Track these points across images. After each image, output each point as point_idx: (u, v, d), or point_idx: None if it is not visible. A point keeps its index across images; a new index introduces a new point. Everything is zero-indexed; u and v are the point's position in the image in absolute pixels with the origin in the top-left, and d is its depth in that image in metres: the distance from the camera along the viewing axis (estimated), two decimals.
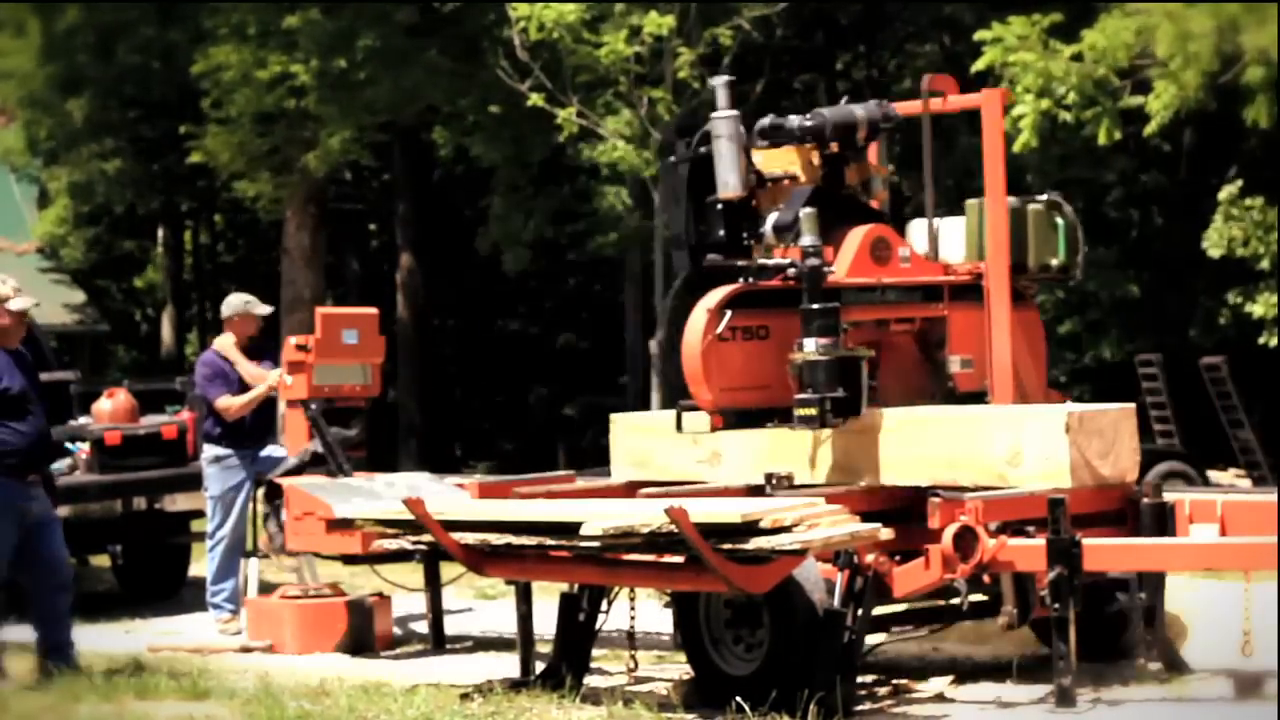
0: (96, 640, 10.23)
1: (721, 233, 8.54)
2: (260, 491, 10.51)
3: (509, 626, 9.14)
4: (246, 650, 10.03)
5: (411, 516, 7.95)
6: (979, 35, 15.85)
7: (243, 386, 10.75)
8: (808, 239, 8.18)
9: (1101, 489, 7.87)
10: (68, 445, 12.06)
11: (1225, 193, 16.48)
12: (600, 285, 26.57)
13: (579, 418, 25.39)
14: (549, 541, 7.70)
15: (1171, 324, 21.65)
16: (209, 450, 10.86)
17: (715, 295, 8.30)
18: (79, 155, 24.81)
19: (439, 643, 10.16)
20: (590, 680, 8.32)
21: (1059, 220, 8.93)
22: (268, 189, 21.40)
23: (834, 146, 8.73)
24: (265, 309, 11.02)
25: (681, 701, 7.99)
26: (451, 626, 10.46)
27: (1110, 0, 15.51)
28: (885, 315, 8.69)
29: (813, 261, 8.13)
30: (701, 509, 7.06)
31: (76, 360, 22.37)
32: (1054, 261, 8.91)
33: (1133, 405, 8.07)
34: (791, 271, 8.22)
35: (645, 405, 17.74)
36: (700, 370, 8.20)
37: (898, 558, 7.69)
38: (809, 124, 8.68)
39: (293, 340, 10.65)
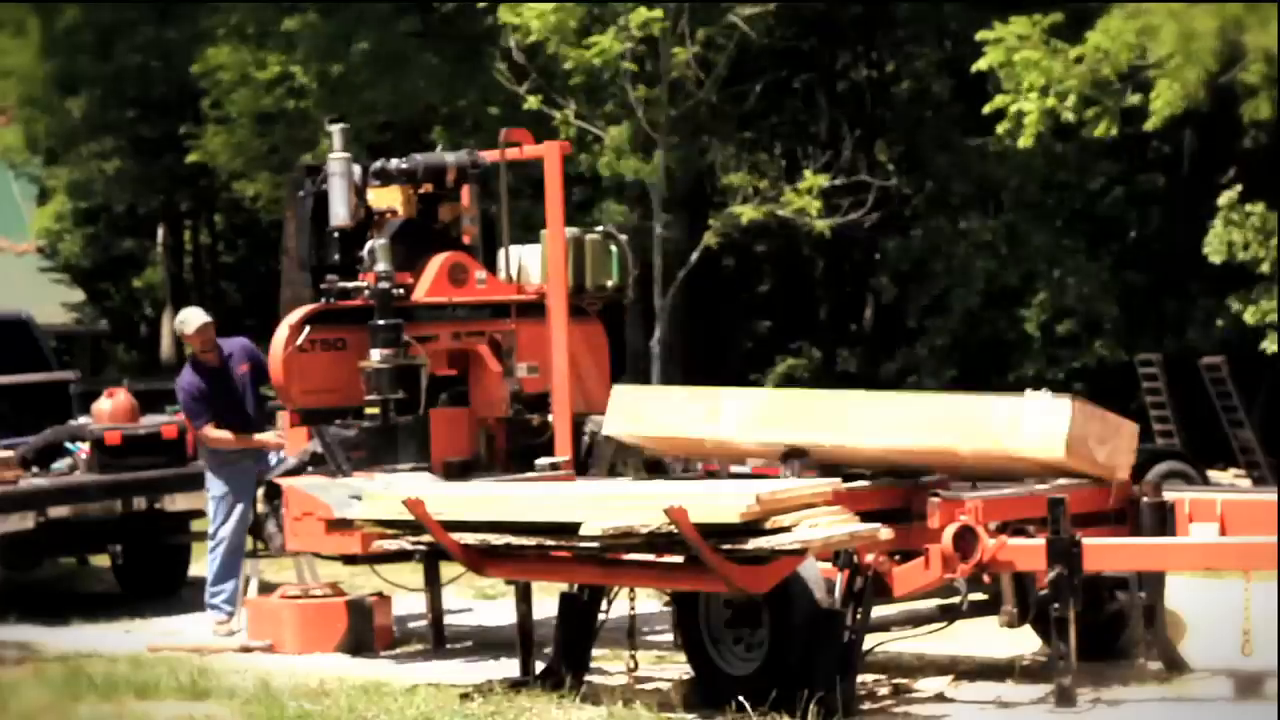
0: (96, 640, 10.25)
1: (336, 257, 10.22)
2: (260, 491, 10.49)
3: (509, 626, 9.13)
4: (246, 650, 10.02)
5: (411, 517, 7.95)
6: (981, 35, 15.86)
7: (228, 397, 10.66)
8: (380, 265, 9.95)
9: (1101, 488, 7.87)
10: (67, 445, 12.06)
11: (1225, 198, 16.48)
12: None
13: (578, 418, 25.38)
14: (549, 541, 7.70)
15: (1171, 324, 21.64)
16: (209, 451, 10.84)
17: (297, 313, 10.12)
18: (78, 154, 24.81)
19: (439, 642, 10.16)
20: (590, 680, 8.32)
21: (613, 248, 10.68)
22: (267, 189, 21.39)
23: (427, 187, 10.45)
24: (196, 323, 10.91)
25: (681, 701, 7.99)
26: (451, 626, 10.47)
27: (1104, 1, 15.52)
28: (460, 329, 10.35)
29: (383, 285, 9.90)
30: (701, 509, 7.05)
31: (76, 360, 22.36)
32: (609, 283, 10.67)
33: (1135, 427, 8.06)
34: (367, 293, 9.95)
35: None
36: (282, 376, 9.99)
37: (897, 557, 7.69)
38: (404, 167, 10.41)
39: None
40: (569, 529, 7.37)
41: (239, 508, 10.73)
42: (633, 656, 8.52)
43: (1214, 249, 16.44)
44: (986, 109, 16.15)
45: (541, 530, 7.64)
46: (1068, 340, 21.97)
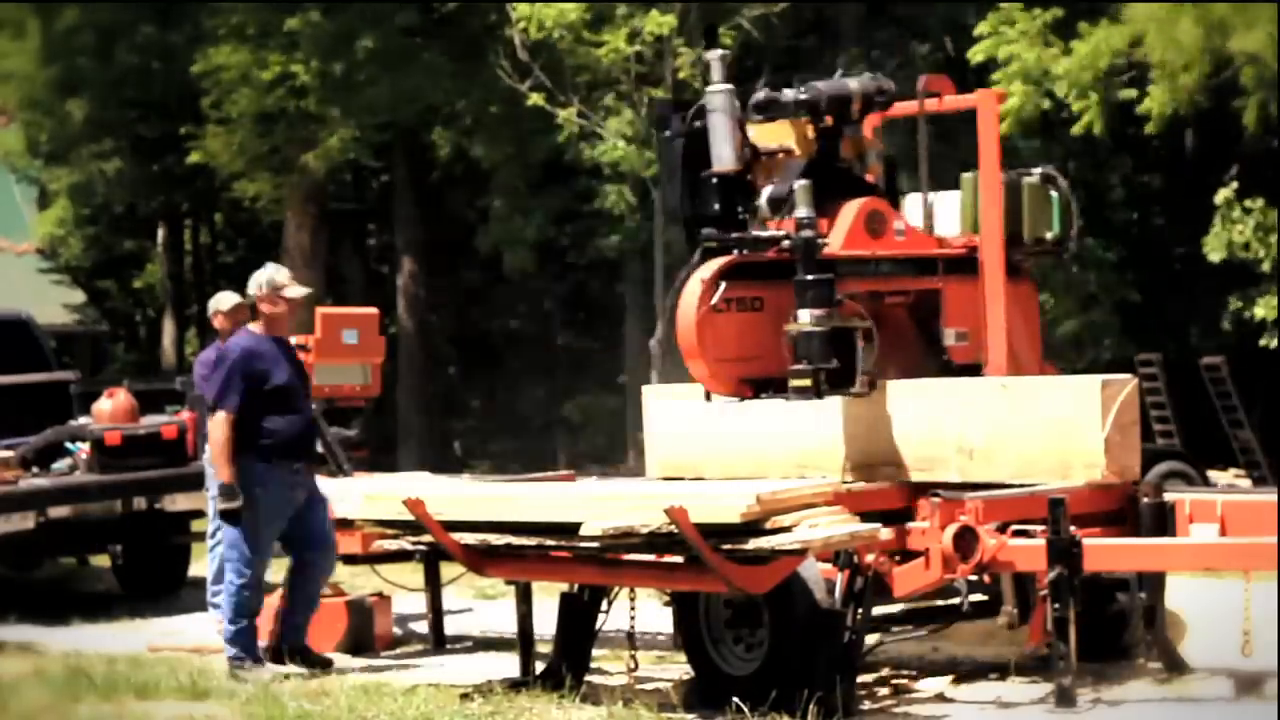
0: (97, 640, 10.25)
1: (717, 207, 8.51)
2: None
3: (509, 626, 9.14)
4: None
5: (411, 517, 7.95)
6: (978, 29, 15.87)
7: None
8: (802, 211, 8.18)
9: (1101, 488, 7.87)
10: (68, 445, 12.07)
11: (1221, 196, 16.48)
12: (600, 285, 26.57)
13: (578, 418, 25.39)
14: (549, 542, 7.70)
15: (1171, 324, 21.65)
16: (210, 450, 10.83)
17: (710, 267, 8.30)
18: (79, 156, 24.81)
19: (439, 643, 10.16)
20: (590, 680, 8.32)
21: (1053, 194, 9.03)
22: (267, 189, 21.40)
23: (828, 120, 8.73)
24: (230, 303, 10.90)
25: (681, 701, 8.00)
26: (451, 626, 10.46)
27: (1104, 0, 15.54)
28: (880, 288, 8.68)
29: (807, 233, 8.14)
30: (701, 509, 7.05)
31: (76, 360, 22.36)
32: (1049, 234, 9.00)
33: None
34: (786, 244, 8.23)
35: None
36: (695, 342, 8.23)
37: (898, 557, 7.69)
38: (804, 97, 8.69)
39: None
40: (569, 529, 7.37)
41: None
42: (633, 657, 8.51)
43: (1213, 247, 16.45)
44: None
45: (542, 530, 7.65)
46: (1068, 341, 21.97)
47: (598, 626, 8.39)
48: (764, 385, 8.32)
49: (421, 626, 10.54)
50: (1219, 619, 7.99)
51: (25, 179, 29.60)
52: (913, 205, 9.01)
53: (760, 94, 8.85)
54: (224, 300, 11.06)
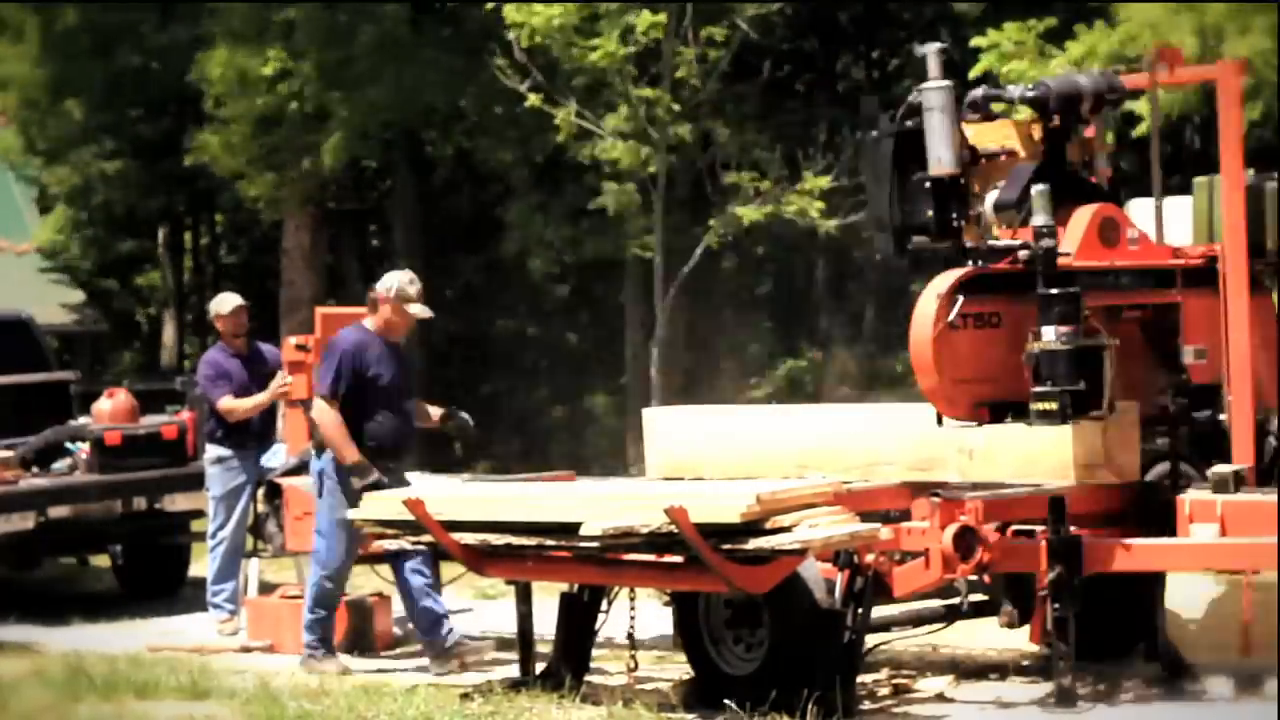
0: (97, 640, 10.26)
1: (929, 213, 7.93)
2: (261, 491, 10.51)
3: (509, 626, 9.14)
4: (246, 650, 10.04)
5: (411, 517, 7.96)
6: (975, 42, 15.88)
7: (246, 387, 10.75)
8: (1040, 218, 7.60)
9: (1099, 489, 7.88)
10: (68, 445, 12.07)
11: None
12: (600, 285, 26.57)
13: (579, 418, 25.39)
14: (549, 542, 7.71)
15: None
16: (211, 451, 10.87)
17: (945, 279, 7.73)
18: (79, 156, 24.81)
19: None
20: (590, 680, 8.33)
21: None
22: (267, 190, 21.40)
23: (1056, 120, 8.14)
24: (230, 305, 10.97)
25: (681, 701, 8.00)
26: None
27: (1104, 1, 15.53)
28: (1117, 301, 8.07)
29: (1047, 243, 7.57)
30: (701, 509, 7.06)
31: (76, 360, 22.39)
32: None
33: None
34: (1023, 254, 7.65)
35: (646, 405, 17.73)
36: (930, 360, 7.69)
37: (898, 557, 7.69)
38: (1031, 94, 8.14)
39: (293, 340, 10.66)
40: (569, 529, 7.38)
41: (239, 507, 10.74)
42: (633, 657, 8.52)
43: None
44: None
45: (542, 530, 7.66)
46: None
47: (598, 626, 8.40)
48: (1002, 408, 7.79)
49: None
50: (1219, 618, 8.00)
51: (24, 179, 29.59)
52: (1139, 211, 8.35)
53: (979, 91, 8.35)
54: (224, 302, 11.09)
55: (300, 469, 10.25)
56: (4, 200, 31.10)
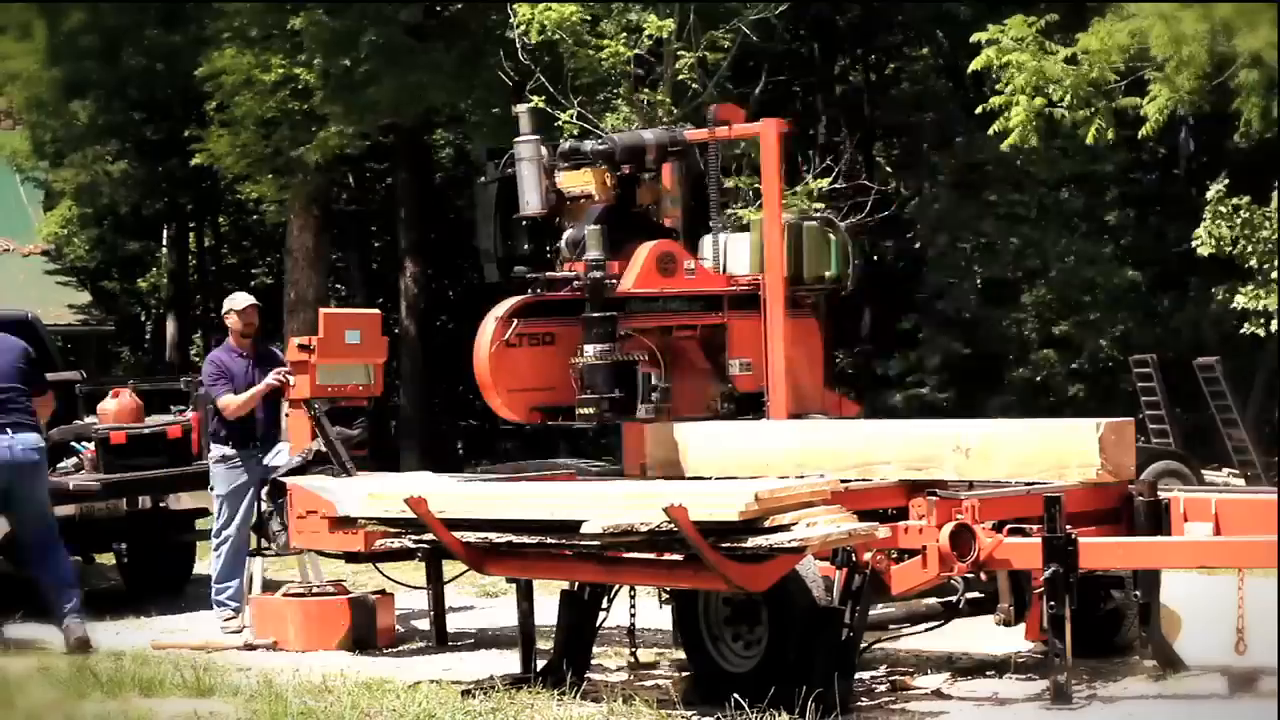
0: (102, 637, 10.31)
1: (526, 247, 9.44)
2: (264, 490, 10.57)
3: (510, 624, 9.20)
4: (250, 647, 10.09)
5: (414, 515, 8.02)
6: (976, 36, 15.91)
7: (247, 386, 10.82)
8: (592, 253, 9.03)
9: (1098, 489, 7.94)
10: (73, 445, 12.13)
11: (1213, 191, 16.55)
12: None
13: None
14: (550, 539, 7.76)
15: (1165, 324, 21.70)
16: (215, 450, 10.93)
17: (504, 305, 9.15)
18: (84, 157, 24.86)
19: (441, 640, 10.22)
20: (591, 677, 8.38)
21: (832, 237, 9.90)
22: (271, 191, 21.45)
23: (625, 169, 9.54)
24: (243, 303, 11.18)
25: (681, 698, 8.05)
26: (453, 624, 10.53)
27: (1105, 0, 15.57)
28: (669, 323, 9.50)
29: (595, 274, 9.00)
30: (701, 507, 7.11)
31: (81, 360, 22.44)
32: (827, 274, 9.87)
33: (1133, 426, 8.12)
34: (576, 283, 9.08)
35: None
36: (489, 374, 9.05)
37: (895, 555, 7.75)
38: (601, 147, 9.52)
39: (296, 340, 10.72)
40: (570, 527, 7.42)
41: (243, 505, 10.81)
42: (633, 654, 8.57)
43: (1203, 242, 16.52)
44: (979, 110, 16.22)
45: (543, 528, 7.70)
46: (1064, 340, 22.04)
47: (598, 624, 8.46)
48: (555, 413, 9.18)
49: (424, 624, 10.60)
50: (1214, 617, 8.05)
51: (31, 181, 29.64)
52: (709, 246, 9.71)
53: (566, 143, 9.69)
54: (238, 299, 11.18)
55: (303, 468, 10.32)
56: (10, 201, 31.15)
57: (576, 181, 9.56)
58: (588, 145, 9.59)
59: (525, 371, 9.14)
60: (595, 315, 9.01)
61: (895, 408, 22.13)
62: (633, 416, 8.97)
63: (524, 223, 9.46)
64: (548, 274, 9.29)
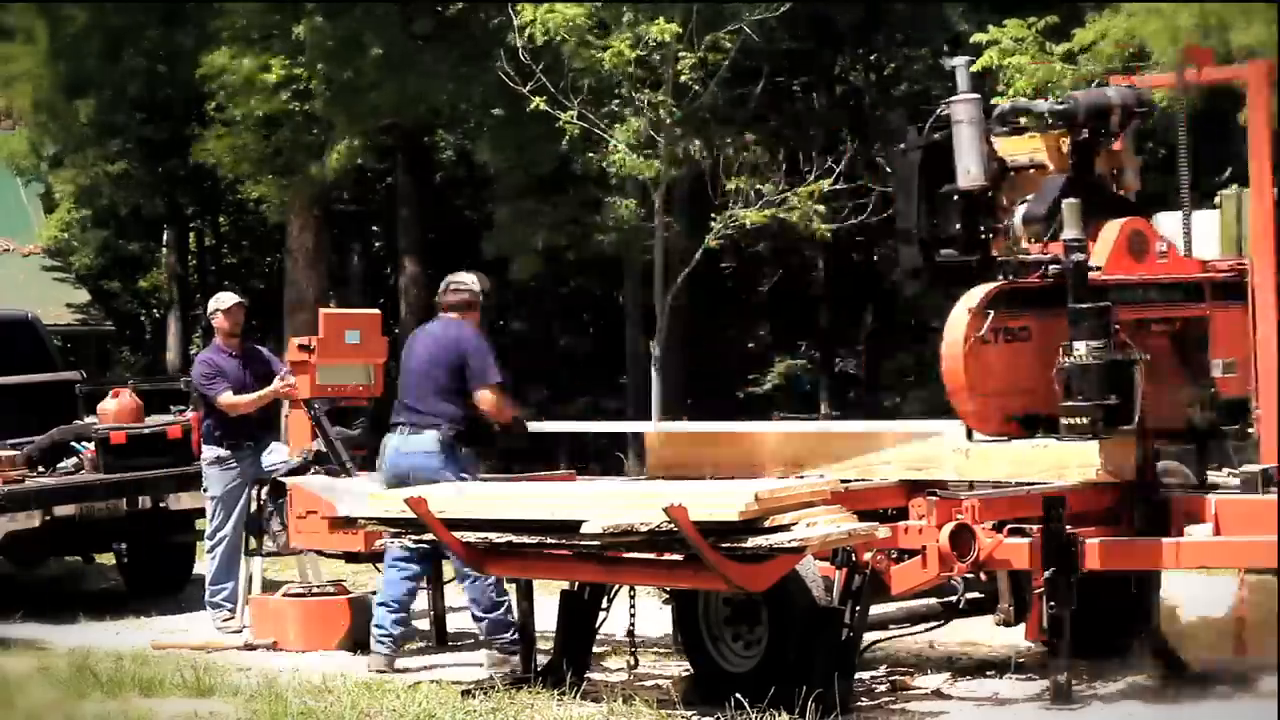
0: (102, 637, 10.32)
1: (957, 226, 7.98)
2: (264, 490, 10.57)
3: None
4: (250, 647, 10.09)
5: (414, 515, 8.02)
6: (976, 38, 15.92)
7: (242, 387, 10.82)
8: (1071, 232, 7.58)
9: (1097, 489, 7.93)
10: (73, 445, 12.14)
11: (1220, 198, 16.51)
12: (600, 285, 26.63)
13: (579, 418, 25.45)
14: (550, 540, 7.76)
15: None
16: (209, 451, 10.91)
17: (976, 294, 7.77)
18: (84, 158, 24.86)
19: (441, 640, 10.22)
20: (591, 677, 8.39)
21: None
22: (271, 191, 21.45)
23: (1085, 133, 8.13)
24: (228, 303, 11.18)
25: (681, 698, 8.05)
26: (453, 624, 10.52)
27: (1103, 1, 15.57)
28: (1146, 315, 8.07)
29: (1078, 257, 7.55)
30: (700, 508, 7.12)
31: (81, 360, 22.43)
32: None
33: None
34: (1053, 268, 7.67)
35: (646, 405, 17.79)
36: (962, 375, 7.74)
37: (895, 555, 7.75)
38: (1060, 107, 8.15)
39: (296, 340, 10.73)
40: (570, 527, 7.43)
41: (238, 507, 10.80)
42: (633, 654, 8.58)
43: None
44: None
45: (543, 528, 7.71)
46: None
47: (598, 624, 8.46)
48: (1032, 422, 7.83)
49: (423, 624, 10.60)
50: (1214, 616, 8.06)
51: (32, 180, 29.63)
52: (1167, 224, 8.33)
53: (1007, 104, 8.41)
54: (223, 299, 11.19)
55: (303, 468, 10.33)
56: (10, 201, 31.14)
57: (1022, 148, 8.20)
58: (1041, 105, 8.26)
59: (1001, 373, 7.80)
60: (1086, 306, 7.51)
61: (896, 408, 22.14)
62: (1129, 428, 7.55)
63: (954, 197, 7.98)
64: (1020, 256, 7.87)
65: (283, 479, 10.28)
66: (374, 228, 30.61)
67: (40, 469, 12.01)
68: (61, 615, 11.31)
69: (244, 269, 32.64)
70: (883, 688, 8.24)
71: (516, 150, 20.22)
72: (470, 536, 7.98)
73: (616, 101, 17.60)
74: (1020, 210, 8.03)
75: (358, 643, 9.94)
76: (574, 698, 7.79)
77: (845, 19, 22.57)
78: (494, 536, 7.90)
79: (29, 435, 12.19)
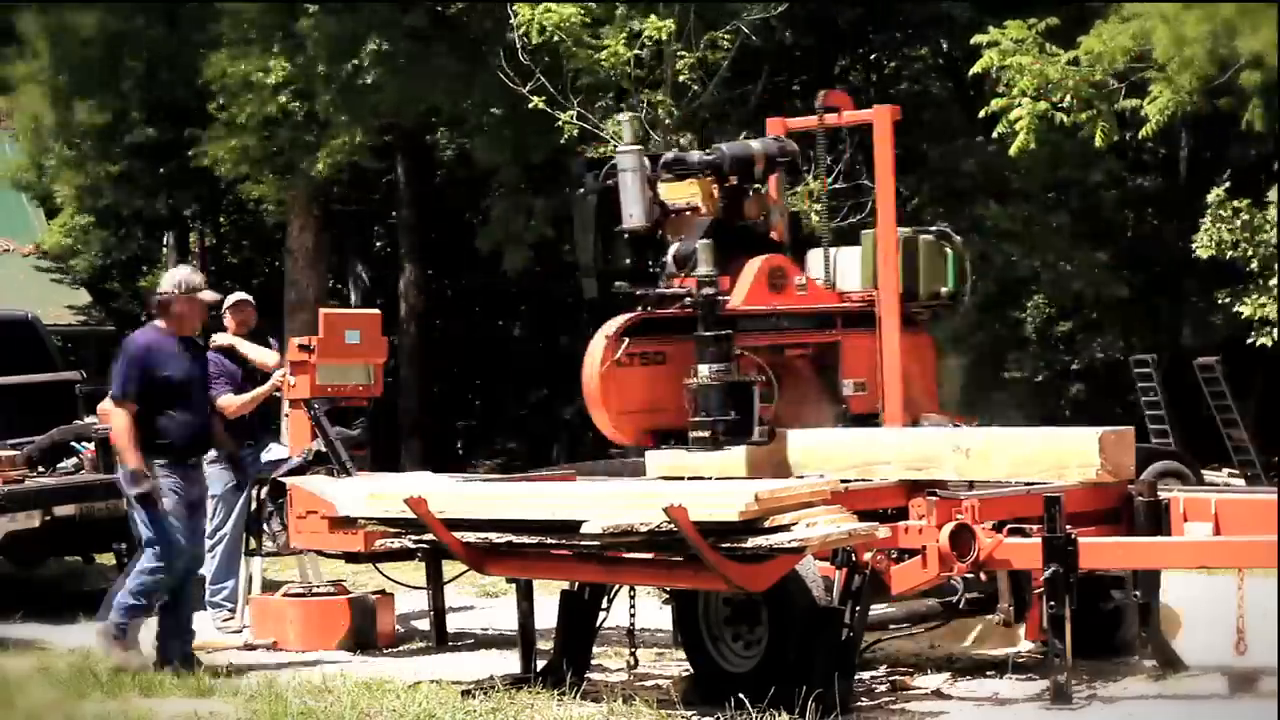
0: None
1: (627, 261, 9.01)
2: (264, 490, 10.58)
3: (510, 624, 9.21)
4: (250, 647, 10.10)
5: (414, 515, 8.02)
6: (976, 39, 15.92)
7: (244, 385, 10.83)
8: (703, 269, 8.55)
9: (1097, 489, 7.94)
10: (73, 445, 12.14)
11: (1214, 195, 16.56)
12: (601, 287, 26.62)
13: (578, 418, 25.48)
14: (550, 540, 7.77)
15: (1165, 325, 21.71)
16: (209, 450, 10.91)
17: (614, 323, 8.78)
18: (83, 155, 24.84)
19: (441, 640, 10.23)
20: (591, 677, 8.39)
21: (948, 250, 9.51)
22: (271, 192, 21.46)
23: (732, 179, 9.16)
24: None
25: (681, 698, 8.06)
26: (453, 624, 10.53)
27: (1106, 1, 15.57)
28: (781, 341, 9.16)
29: (707, 291, 8.52)
30: (700, 508, 7.12)
31: (81, 360, 22.43)
32: (943, 289, 9.50)
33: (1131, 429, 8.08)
34: (688, 300, 8.64)
35: None
36: (599, 395, 8.73)
37: (895, 555, 7.76)
38: (708, 158, 9.14)
39: (296, 340, 10.73)
40: (570, 527, 7.44)
41: (237, 506, 10.81)
42: (633, 654, 8.58)
43: (1202, 245, 16.53)
44: (982, 113, 16.22)
45: (543, 528, 7.71)
46: (1064, 340, 22.04)
47: (598, 624, 8.46)
48: (666, 436, 8.72)
49: (424, 624, 10.61)
50: (1213, 617, 8.06)
51: (29, 192, 29.62)
52: (816, 260, 9.40)
53: (669, 154, 9.29)
54: (230, 297, 11.23)
55: (303, 468, 10.33)
56: (10, 201, 31.13)
57: (681, 193, 9.18)
58: (694, 156, 9.28)
59: (636, 392, 8.78)
60: (709, 334, 8.50)
61: None
62: (749, 440, 8.43)
63: (625, 236, 9.03)
64: (657, 290, 8.87)
65: (282, 479, 10.28)
66: (375, 228, 30.60)
67: (40, 469, 12.02)
68: (61, 615, 11.30)
69: (245, 269, 32.62)
70: (883, 688, 8.24)
71: (514, 149, 20.23)
72: (470, 536, 7.99)
73: (612, 101, 17.60)
74: (672, 248, 9.01)
75: (358, 642, 9.95)
76: (574, 698, 7.79)
77: (845, 18, 22.57)
78: (494, 536, 7.91)
79: (29, 435, 12.19)
